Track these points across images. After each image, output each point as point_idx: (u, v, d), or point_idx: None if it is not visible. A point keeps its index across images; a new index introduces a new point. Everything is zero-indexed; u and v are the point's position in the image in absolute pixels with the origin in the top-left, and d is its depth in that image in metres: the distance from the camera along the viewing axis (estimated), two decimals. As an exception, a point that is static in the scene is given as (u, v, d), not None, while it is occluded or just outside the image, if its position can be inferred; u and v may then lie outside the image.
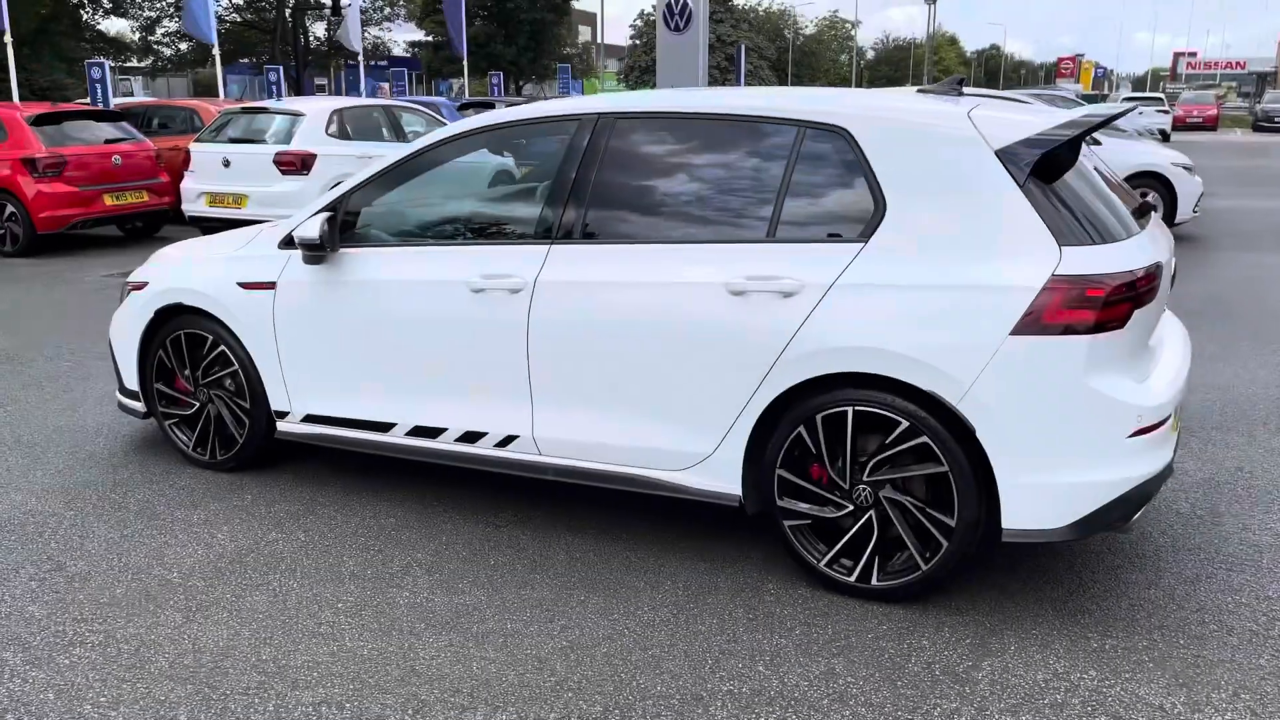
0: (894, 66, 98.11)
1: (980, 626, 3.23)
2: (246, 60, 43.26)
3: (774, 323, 3.32)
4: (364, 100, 12.33)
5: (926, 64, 75.62)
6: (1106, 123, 3.38)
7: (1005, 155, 3.18)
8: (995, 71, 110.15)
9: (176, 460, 4.73)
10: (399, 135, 11.69)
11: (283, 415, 4.37)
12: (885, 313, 3.20)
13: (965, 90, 3.97)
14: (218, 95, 19.28)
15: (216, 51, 18.31)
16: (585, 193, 3.71)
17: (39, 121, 11.27)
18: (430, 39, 48.12)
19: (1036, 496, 3.12)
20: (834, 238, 3.34)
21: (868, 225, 3.29)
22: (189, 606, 3.40)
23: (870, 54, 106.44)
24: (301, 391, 4.29)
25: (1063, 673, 2.97)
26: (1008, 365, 3.07)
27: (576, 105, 3.91)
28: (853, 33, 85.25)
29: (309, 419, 4.31)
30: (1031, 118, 3.33)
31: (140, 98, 33.30)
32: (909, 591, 3.33)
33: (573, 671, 3.00)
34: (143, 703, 2.88)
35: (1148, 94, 40.87)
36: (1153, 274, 3.21)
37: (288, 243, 4.20)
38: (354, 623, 3.29)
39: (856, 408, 3.26)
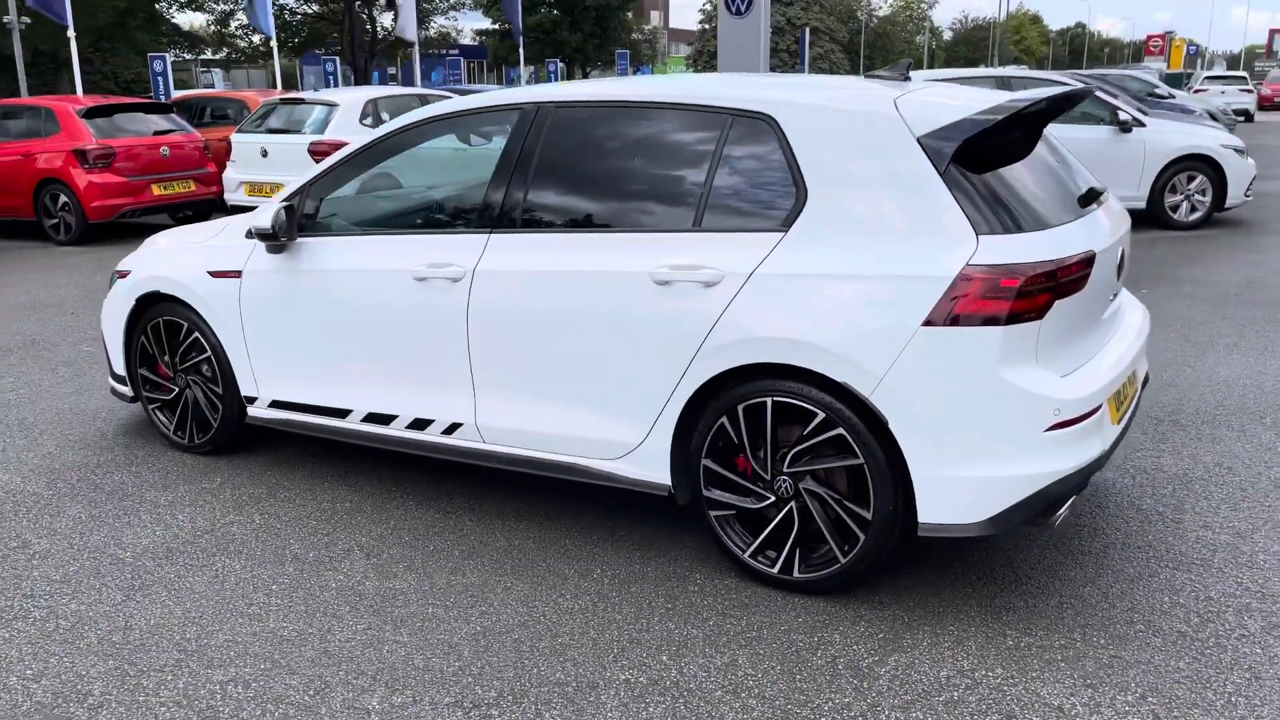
0: (973, 47, 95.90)
1: (898, 621, 3.18)
2: (319, 51, 44.15)
3: (695, 313, 3.31)
4: (399, 90, 12.49)
5: (996, 44, 73.77)
6: (1038, 107, 3.27)
7: (927, 142, 3.11)
8: (1080, 50, 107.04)
9: (160, 443, 4.88)
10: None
11: (252, 401, 4.48)
12: (800, 303, 3.16)
13: (947, 77, 3.88)
14: (296, 86, 19.76)
15: (274, 44, 18.75)
16: (524, 182, 3.73)
17: (90, 114, 11.66)
18: (496, 27, 48.48)
19: (951, 490, 3.06)
20: (757, 227, 3.30)
21: (789, 214, 3.25)
22: (132, 585, 3.52)
23: (948, 34, 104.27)
24: (267, 378, 4.40)
25: (968, 670, 2.91)
26: (920, 357, 3.01)
27: (518, 95, 3.92)
28: (928, 12, 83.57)
29: (275, 405, 4.41)
30: (959, 103, 3.24)
31: (219, 89, 34.25)
32: (830, 584, 3.30)
33: (478, 657, 3.04)
34: (64, 676, 2.99)
35: (1228, 73, 39.21)
36: (1080, 264, 3.11)
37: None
38: (282, 604, 3.38)
39: (775, 399, 3.23)
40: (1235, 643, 3.02)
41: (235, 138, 11.46)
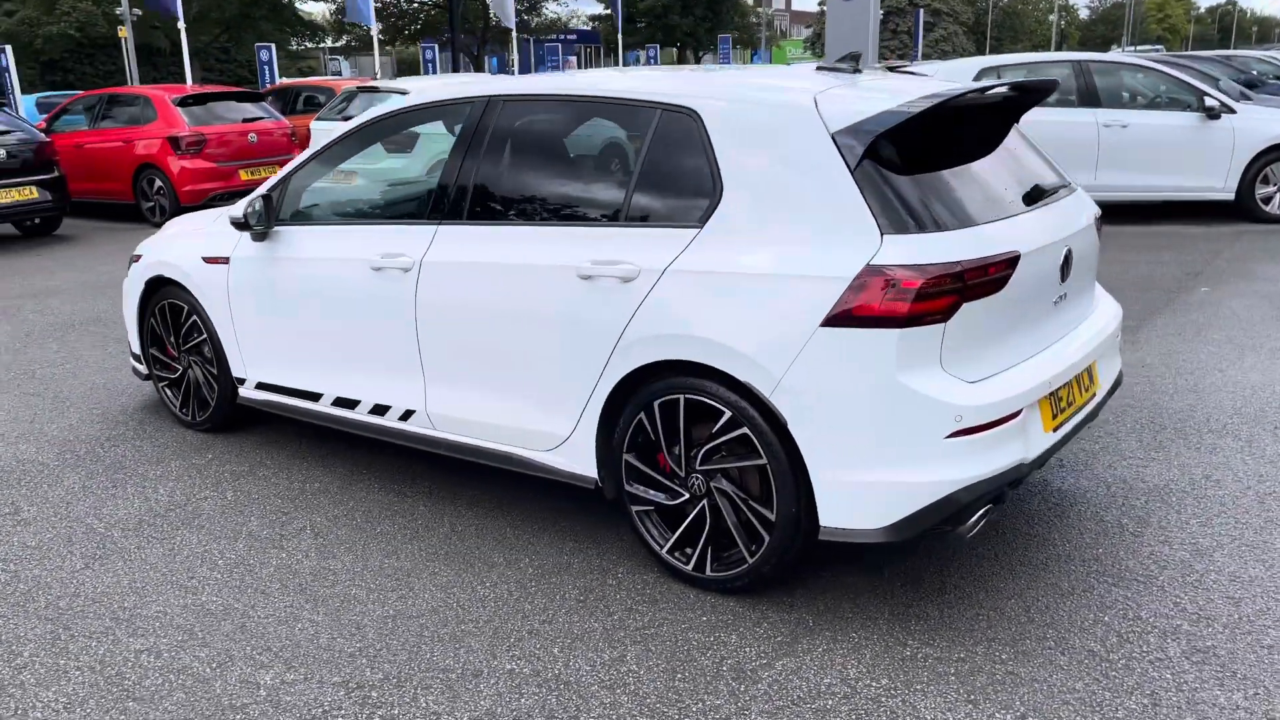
0: (1111, 26, 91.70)
1: (801, 625, 3.13)
2: (434, 38, 45.18)
3: (614, 308, 3.31)
4: (476, 78, 12.73)
5: (1131, 23, 70.26)
6: (961, 97, 3.14)
7: (841, 138, 3.04)
8: (1229, 29, 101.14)
9: (168, 420, 5.14)
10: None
11: (241, 382, 4.68)
12: (709, 300, 3.14)
13: (896, 67, 3.78)
14: (418, 71, 20.27)
15: (375, 34, 19.29)
16: (471, 174, 3.79)
17: (185, 103, 12.26)
18: (609, 12, 48.67)
19: (851, 495, 2.99)
20: (676, 222, 3.28)
21: (706, 210, 3.22)
22: (94, 554, 3.74)
23: (1084, 13, 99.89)
24: (252, 360, 4.58)
25: (852, 679, 2.86)
26: (818, 358, 2.95)
27: (472, 89, 3.98)
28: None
29: (260, 386, 4.60)
30: (885, 96, 3.14)
31: (347, 75, 35.37)
32: (739, 584, 3.27)
33: (380, 640, 3.13)
34: (4, 637, 3.20)
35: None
36: (999, 265, 2.99)
37: (239, 221, 4.49)
38: (221, 579, 3.53)
39: (686, 396, 3.21)
40: (1146, 666, 2.87)
41: (314, 124, 11.88)
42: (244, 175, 12.31)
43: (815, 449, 3.00)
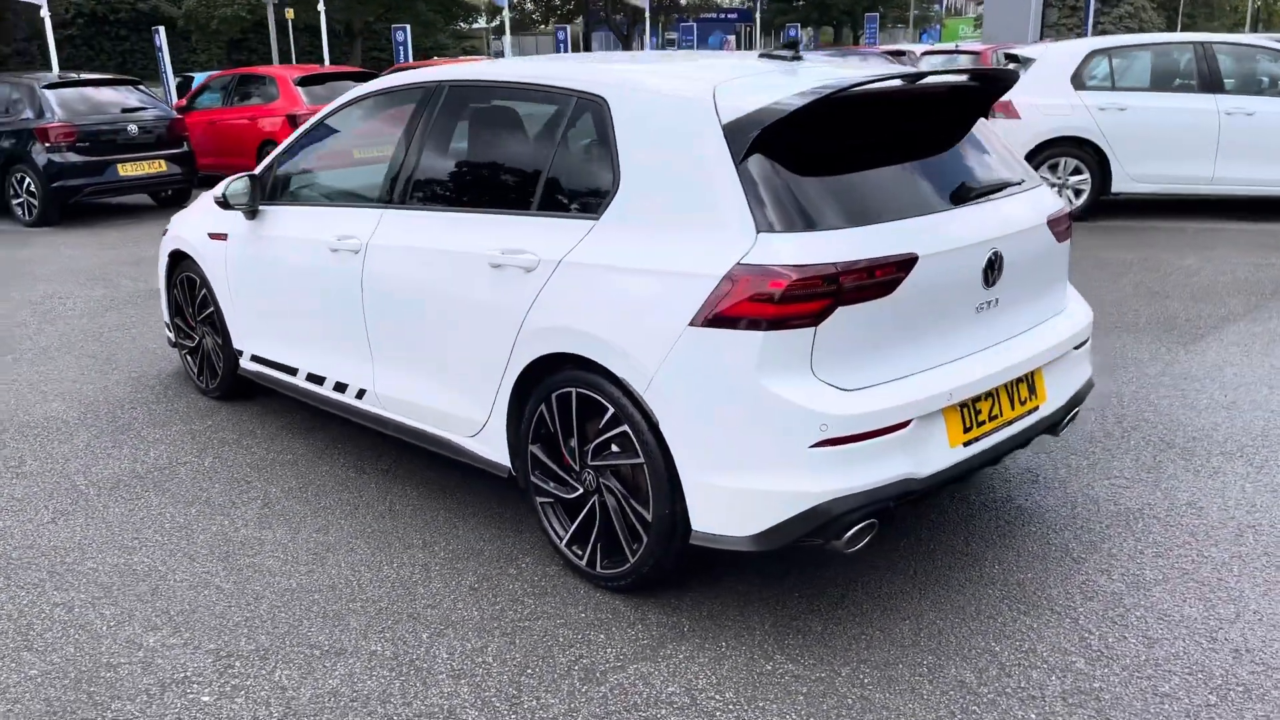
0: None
1: (676, 629, 3.06)
2: (584, 18, 45.65)
3: (517, 298, 3.30)
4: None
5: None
6: (849, 89, 2.96)
7: (730, 131, 2.92)
8: None
9: (188, 387, 5.43)
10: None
11: (239, 354, 4.90)
12: (595, 293, 3.09)
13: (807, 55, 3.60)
14: (579, 50, 20.63)
15: (506, 16, 19.66)
16: (415, 159, 3.83)
17: (304, 82, 12.83)
18: (764, -10, 47.98)
19: (719, 500, 2.89)
20: (578, 212, 3.24)
21: (605, 201, 3.16)
22: (66, 510, 4.00)
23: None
24: (246, 333, 4.79)
25: (697, 689, 2.77)
26: (686, 358, 2.86)
27: (424, 74, 4.02)
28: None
29: (253, 358, 4.80)
30: (782, 86, 2.99)
31: (508, 57, 36.12)
32: (623, 583, 3.21)
33: (270, 612, 3.23)
34: (-48, 582, 3.48)
35: None
36: (887, 267, 2.82)
37: (237, 198, 4.68)
38: (159, 542, 3.72)
39: (578, 390, 3.17)
40: (1013, 703, 2.67)
41: (419, 104, 12.20)
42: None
43: (684, 451, 2.91)
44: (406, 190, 3.83)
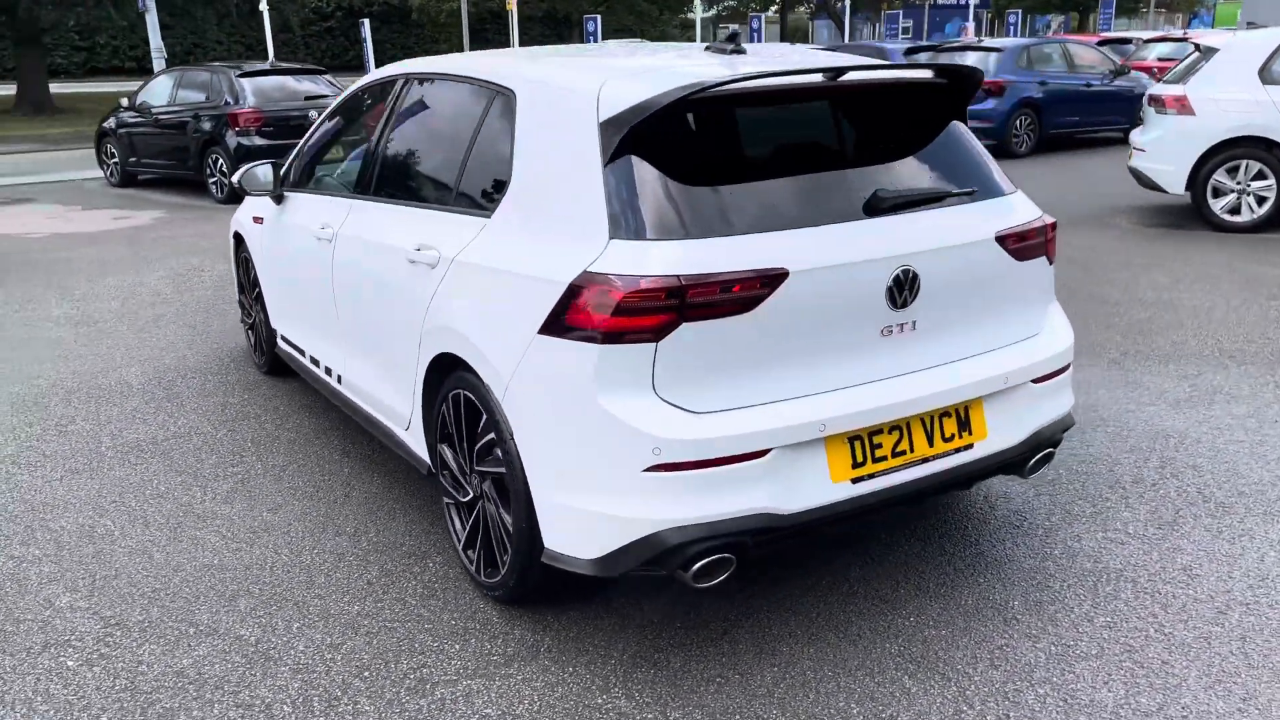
0: None
1: (534, 648, 2.93)
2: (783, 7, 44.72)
3: (422, 295, 3.26)
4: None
5: None
6: (709, 86, 2.70)
7: (604, 127, 2.75)
8: None
9: (248, 361, 5.74)
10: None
11: (275, 332, 5.12)
12: (472, 294, 3.01)
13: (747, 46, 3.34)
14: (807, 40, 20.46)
15: (698, 5, 19.59)
16: (376, 151, 3.87)
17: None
18: (1000, -25, 45.47)
19: (565, 519, 2.75)
20: (479, 209, 3.16)
21: (500, 198, 3.07)
22: (74, 469, 4.31)
23: None
24: (276, 313, 5.00)
25: (515, 714, 2.64)
26: (535, 366, 2.73)
27: (395, 68, 4.04)
28: None
29: (282, 338, 5.01)
30: (664, 80, 2.77)
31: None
32: (497, 594, 3.12)
33: (178, 586, 3.34)
34: (-54, 527, 3.83)
35: None
36: (746, 281, 2.57)
37: (269, 184, 4.89)
38: (129, 508, 3.94)
39: (464, 393, 3.10)
40: (831, 776, 2.39)
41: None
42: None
43: (533, 464, 2.79)
44: (368, 182, 3.88)
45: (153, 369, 5.66)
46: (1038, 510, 3.68)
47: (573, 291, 2.62)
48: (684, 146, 2.73)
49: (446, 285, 3.11)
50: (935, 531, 3.55)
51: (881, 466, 2.81)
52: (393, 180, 3.78)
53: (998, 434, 3.02)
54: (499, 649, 2.94)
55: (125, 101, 13.84)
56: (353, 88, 4.46)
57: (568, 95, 2.92)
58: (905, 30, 50.66)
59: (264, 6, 16.48)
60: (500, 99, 3.20)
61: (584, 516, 2.69)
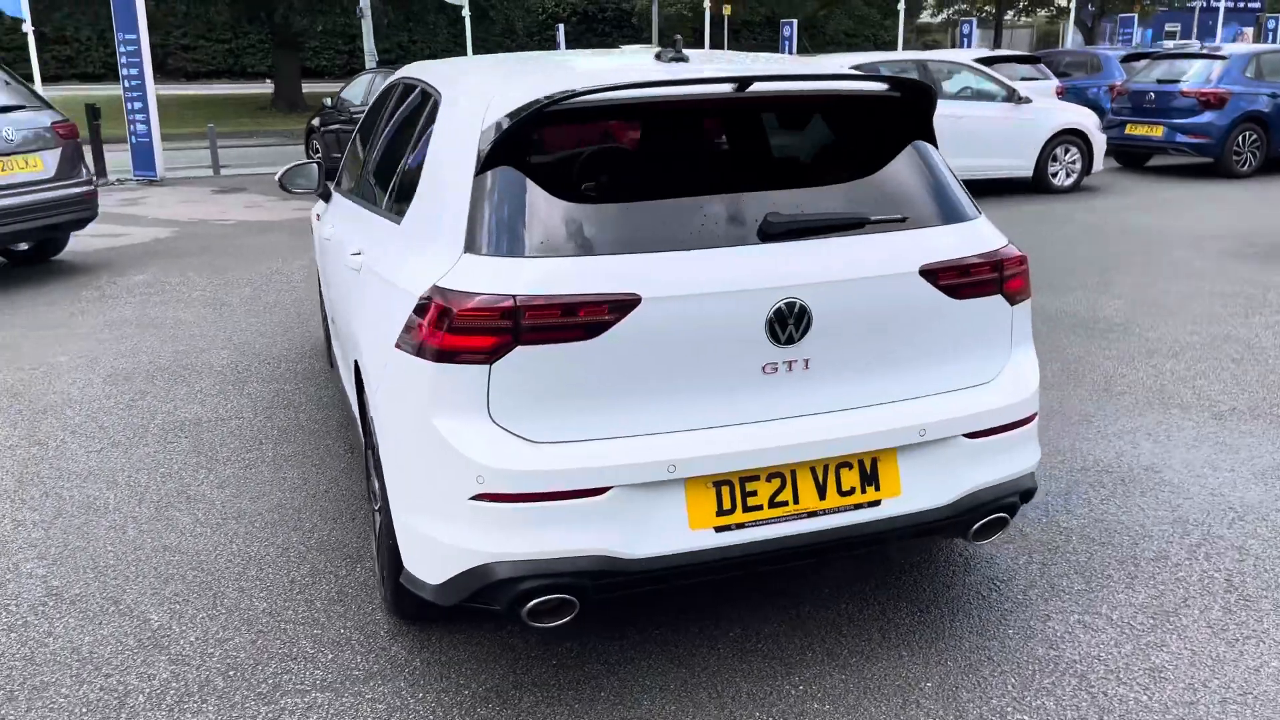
0: None
1: (400, 666, 2.86)
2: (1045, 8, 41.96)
3: (354, 300, 3.26)
4: (884, 55, 11.92)
5: None
6: (572, 95, 2.51)
7: (483, 136, 2.65)
8: None
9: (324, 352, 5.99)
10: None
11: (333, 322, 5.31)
12: (368, 303, 2.98)
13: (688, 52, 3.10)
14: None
15: (902, 6, 18.83)
16: (368, 153, 3.92)
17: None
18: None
19: (414, 541, 2.66)
20: (397, 214, 3.12)
21: (408, 205, 3.02)
22: (115, 442, 4.60)
23: None
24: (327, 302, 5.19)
25: (333, 735, 2.59)
26: (389, 380, 2.67)
27: (400, 71, 4.07)
28: None
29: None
30: (537, 90, 2.62)
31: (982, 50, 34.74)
32: (387, 605, 3.07)
33: (129, 564, 3.49)
34: (-19, 487, 4.19)
35: None
36: (592, 306, 2.40)
37: (323, 182, 5.06)
38: (137, 484, 4.16)
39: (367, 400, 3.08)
40: None
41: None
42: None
43: (390, 481, 2.72)
44: (355, 183, 3.94)
45: (240, 353, 5.99)
46: (1017, 580, 3.25)
47: (420, 307, 2.53)
48: (552, 159, 2.59)
49: (358, 291, 3.10)
50: (881, 588, 3.20)
51: (755, 516, 2.55)
52: (364, 182, 3.82)
53: (917, 492, 2.68)
54: (366, 664, 2.89)
55: (329, 101, 14.82)
56: (381, 89, 4.53)
57: (468, 102, 2.84)
58: (1170, 34, 46.75)
59: (466, 15, 17.20)
60: (432, 105, 3.15)
61: (426, 540, 2.59)
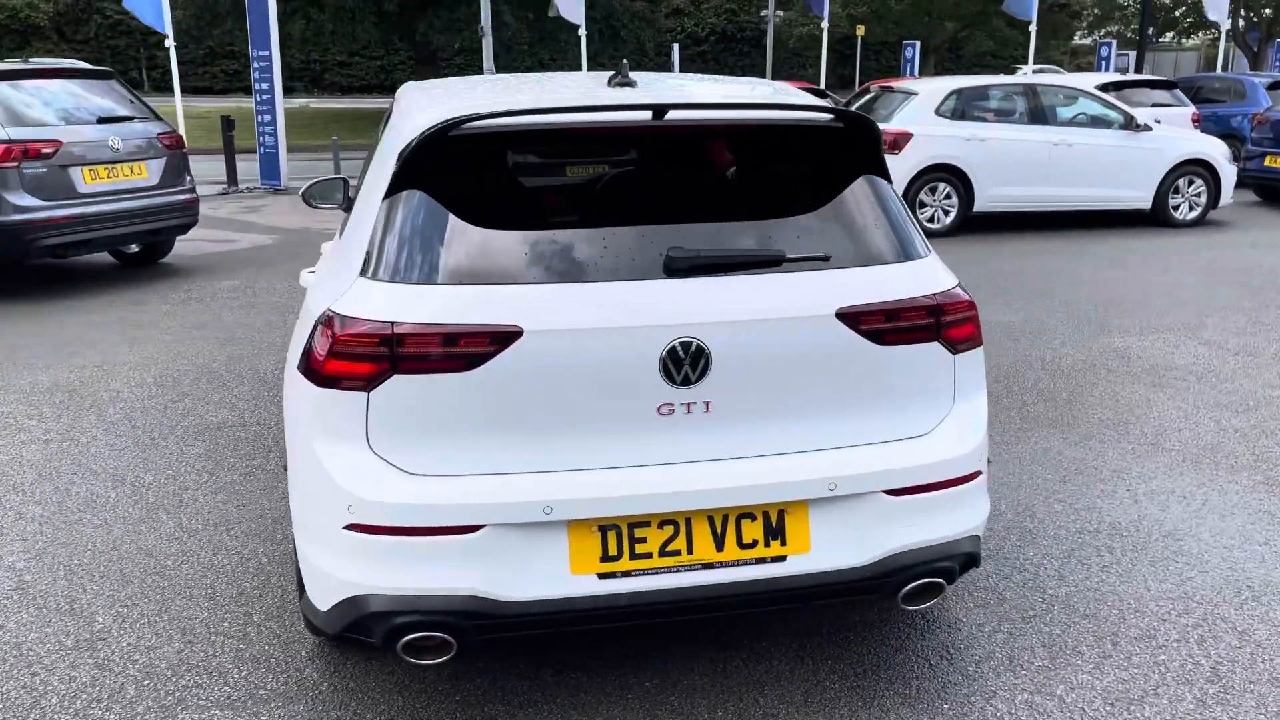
0: None
1: (309, 689, 2.85)
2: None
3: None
4: (990, 79, 11.36)
5: None
6: (469, 119, 2.45)
7: (397, 159, 2.61)
8: None
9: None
10: (1039, 117, 10.75)
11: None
12: (304, 323, 2.96)
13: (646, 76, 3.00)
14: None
15: (1033, 28, 18.10)
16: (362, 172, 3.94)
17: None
18: None
19: (306, 566, 2.62)
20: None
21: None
22: (139, 442, 4.78)
23: None
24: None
25: (214, 754, 2.58)
26: (290, 402, 2.66)
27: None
28: None
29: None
30: (448, 114, 2.57)
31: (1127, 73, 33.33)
32: (312, 629, 3.04)
33: (99, 563, 3.59)
34: None
35: None
36: (473, 336, 2.33)
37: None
38: (133, 483, 4.30)
39: (305, 418, 3.08)
40: None
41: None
42: None
43: (292, 504, 2.71)
44: (348, 203, 3.96)
45: (284, 361, 6.13)
46: (975, 649, 3.00)
47: (314, 330, 2.51)
48: (457, 185, 2.52)
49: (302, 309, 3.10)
50: (825, 645, 3.00)
51: (644, 565, 2.42)
52: (350, 201, 3.83)
53: (829, 550, 2.50)
54: (276, 683, 2.88)
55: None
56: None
57: (401, 123, 2.81)
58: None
59: (582, 34, 17.41)
60: (386, 126, 3.14)
61: (313, 567, 2.56)
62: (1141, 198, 11.03)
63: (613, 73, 3.01)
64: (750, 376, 2.44)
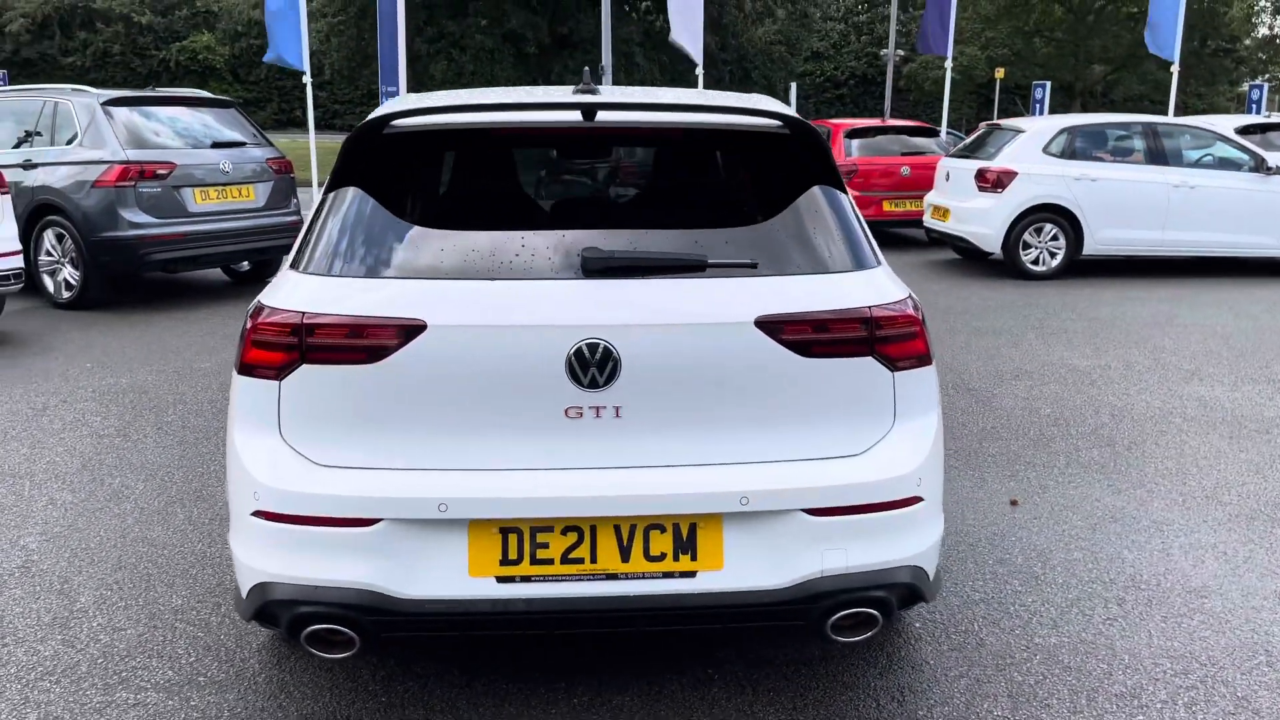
0: None
1: (248, 679, 2.88)
2: None
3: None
4: (1105, 117, 10.78)
5: None
6: (399, 115, 2.44)
7: (340, 150, 2.67)
8: None
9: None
10: (1159, 157, 10.21)
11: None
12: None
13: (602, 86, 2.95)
14: None
15: (1175, 68, 17.20)
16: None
17: (852, 135, 13.03)
18: None
19: (233, 556, 2.66)
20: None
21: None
22: (152, 437, 5.00)
23: None
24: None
25: (134, 733, 2.63)
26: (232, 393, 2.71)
27: None
28: None
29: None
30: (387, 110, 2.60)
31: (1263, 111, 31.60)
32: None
33: (104, 549, 3.75)
34: None
35: None
36: (381, 328, 2.34)
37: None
38: (147, 478, 4.47)
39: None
40: None
41: (942, 161, 11.55)
42: (887, 206, 12.62)
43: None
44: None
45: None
46: (932, 693, 2.80)
47: (247, 319, 2.56)
48: (383, 180, 2.55)
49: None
50: (769, 675, 2.86)
51: (544, 571, 2.37)
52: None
53: (743, 568, 2.39)
54: (217, 670, 2.92)
55: (557, 150, 15.52)
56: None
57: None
58: None
59: (699, 74, 17.52)
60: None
61: (232, 553, 2.59)
62: (1271, 245, 10.32)
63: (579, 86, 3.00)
64: (664, 383, 2.36)
